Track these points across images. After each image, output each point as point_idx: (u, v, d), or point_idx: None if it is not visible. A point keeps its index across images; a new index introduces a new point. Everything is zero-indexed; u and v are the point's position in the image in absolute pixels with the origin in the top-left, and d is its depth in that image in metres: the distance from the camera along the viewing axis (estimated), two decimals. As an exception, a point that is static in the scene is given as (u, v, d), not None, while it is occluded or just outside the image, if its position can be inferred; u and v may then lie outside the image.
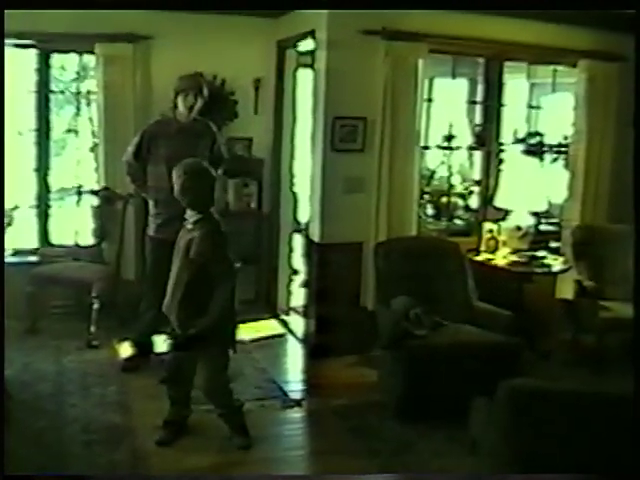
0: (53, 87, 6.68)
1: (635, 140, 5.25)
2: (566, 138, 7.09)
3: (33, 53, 6.40)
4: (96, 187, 6.48)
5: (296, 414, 5.02)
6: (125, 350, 5.73)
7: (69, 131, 7.19)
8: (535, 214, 6.50)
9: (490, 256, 6.17)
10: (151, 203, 5.45)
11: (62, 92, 7.35)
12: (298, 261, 6.96)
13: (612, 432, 3.09)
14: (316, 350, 5.97)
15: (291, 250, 7.06)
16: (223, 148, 5.65)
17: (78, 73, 7.28)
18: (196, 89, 5.28)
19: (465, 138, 7.19)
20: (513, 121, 7.33)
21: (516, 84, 7.49)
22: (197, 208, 4.20)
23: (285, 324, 6.74)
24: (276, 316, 6.90)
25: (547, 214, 6.96)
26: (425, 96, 6.11)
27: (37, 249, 6.62)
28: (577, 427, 3.12)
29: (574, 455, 3.10)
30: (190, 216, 4.22)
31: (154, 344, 5.53)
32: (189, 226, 4.23)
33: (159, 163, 5.20)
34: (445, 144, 6.97)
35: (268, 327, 6.66)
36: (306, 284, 6.29)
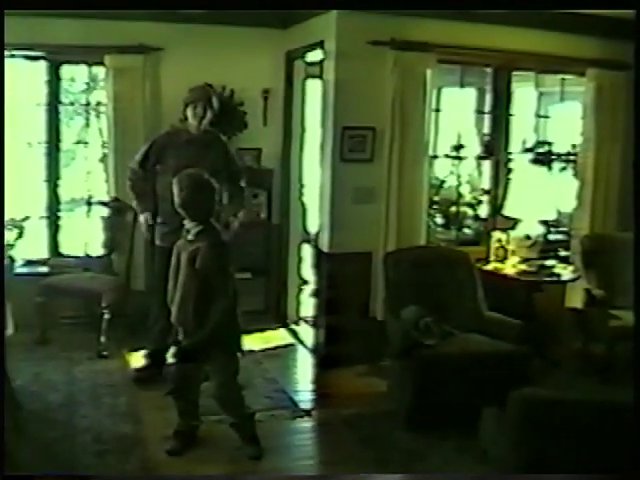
0: (63, 99, 6.71)
1: (635, 148, 5.23)
2: (574, 147, 7.09)
3: (43, 65, 6.44)
4: (106, 198, 6.52)
5: (306, 424, 5.02)
6: (136, 360, 5.74)
7: (79, 142, 7.22)
8: (544, 223, 6.49)
9: (499, 265, 6.17)
10: (144, 215, 5.48)
11: (72, 103, 7.37)
12: (307, 271, 6.97)
13: (623, 441, 3.08)
14: (326, 360, 5.97)
15: (300, 260, 7.06)
16: (238, 161, 5.69)
17: (88, 84, 7.33)
18: (205, 101, 5.30)
19: (474, 147, 7.20)
20: (521, 130, 7.33)
21: (524, 93, 7.49)
22: (198, 220, 4.21)
23: (295, 334, 6.74)
24: (286, 326, 6.90)
25: (556, 223, 6.96)
26: (433, 106, 6.11)
27: (47, 260, 6.65)
28: (588, 436, 3.12)
29: (585, 464, 3.09)
30: (191, 227, 4.22)
31: (166, 355, 5.52)
32: (190, 237, 4.22)
33: (167, 173, 5.16)
34: (454, 154, 6.98)
35: (278, 337, 6.66)
36: (315, 294, 6.30)
